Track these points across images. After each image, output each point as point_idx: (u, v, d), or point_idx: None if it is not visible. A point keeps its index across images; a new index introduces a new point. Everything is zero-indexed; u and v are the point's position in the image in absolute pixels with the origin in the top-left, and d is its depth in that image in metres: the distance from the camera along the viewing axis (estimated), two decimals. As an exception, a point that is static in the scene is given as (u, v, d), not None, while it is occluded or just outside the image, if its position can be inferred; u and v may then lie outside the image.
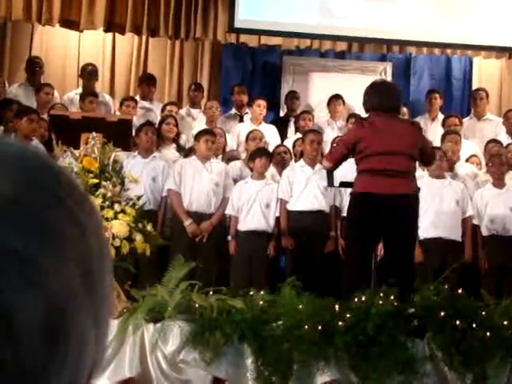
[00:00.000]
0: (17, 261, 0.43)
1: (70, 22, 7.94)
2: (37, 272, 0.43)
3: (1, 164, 0.45)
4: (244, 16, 7.99)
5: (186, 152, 6.53)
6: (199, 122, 7.36)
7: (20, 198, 0.44)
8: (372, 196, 4.37)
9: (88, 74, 7.60)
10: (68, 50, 8.36)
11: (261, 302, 3.98)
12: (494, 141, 6.82)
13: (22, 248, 0.43)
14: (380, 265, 4.56)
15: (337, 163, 4.68)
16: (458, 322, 3.85)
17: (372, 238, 4.47)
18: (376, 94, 4.61)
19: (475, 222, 5.95)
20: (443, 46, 8.28)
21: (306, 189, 5.84)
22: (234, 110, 7.78)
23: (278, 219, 5.89)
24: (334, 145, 4.79)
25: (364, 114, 4.94)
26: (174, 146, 6.72)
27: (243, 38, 8.24)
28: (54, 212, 0.45)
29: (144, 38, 8.42)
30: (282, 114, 8.23)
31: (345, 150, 4.61)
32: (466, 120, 7.58)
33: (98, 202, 4.20)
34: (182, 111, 7.69)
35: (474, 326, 3.86)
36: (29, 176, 0.46)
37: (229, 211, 5.91)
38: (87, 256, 0.46)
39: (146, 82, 7.69)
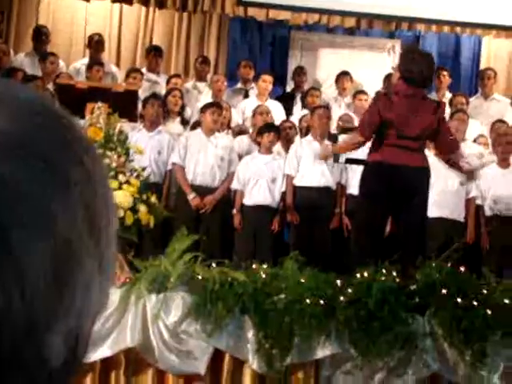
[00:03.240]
0: (25, 202, 0.42)
1: (77, -8, 7.89)
2: (45, 214, 0.43)
3: (7, 105, 0.45)
4: (252, -11, 7.92)
5: (191, 126, 6.51)
6: (205, 96, 7.33)
7: (27, 140, 0.44)
8: (386, 166, 4.38)
9: (95, 43, 7.57)
10: (75, 19, 8.32)
11: (263, 276, 3.99)
12: (501, 121, 6.79)
13: (31, 190, 0.43)
14: (387, 240, 4.58)
15: (370, 136, 4.58)
16: (459, 300, 3.87)
17: (385, 209, 4.48)
18: (412, 63, 4.48)
19: (478, 201, 5.95)
20: (453, 24, 8.21)
21: (313, 164, 5.84)
22: (239, 85, 7.74)
23: (283, 194, 5.90)
24: (360, 123, 4.73)
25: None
26: (178, 119, 6.70)
27: (251, 11, 8.19)
28: (61, 155, 0.45)
29: (151, 9, 8.36)
30: (288, 89, 8.20)
31: (374, 127, 4.51)
32: (472, 99, 7.54)
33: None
34: (188, 84, 7.65)
35: (475, 303, 3.88)
36: (35, 118, 0.45)
37: (235, 185, 5.91)
38: (93, 202, 0.46)
39: (153, 53, 7.65)
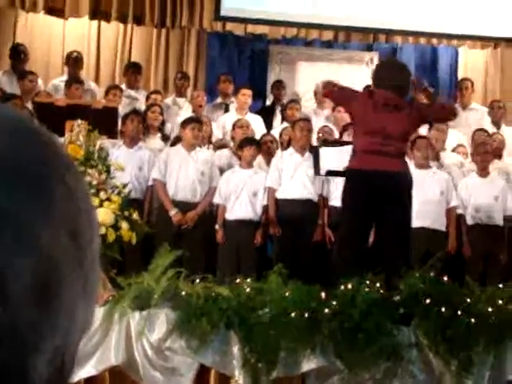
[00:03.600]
0: (9, 222, 0.42)
1: (54, 10, 7.87)
2: (29, 234, 0.43)
3: None
4: (230, 4, 7.97)
5: (172, 141, 6.50)
6: (185, 111, 7.34)
7: (6, 155, 0.43)
8: (364, 173, 4.38)
9: (73, 61, 7.54)
10: (53, 37, 8.29)
11: (247, 290, 3.97)
12: (481, 130, 6.85)
13: (15, 210, 0.42)
14: (370, 250, 4.58)
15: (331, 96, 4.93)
16: (443, 309, 3.87)
17: (368, 219, 4.46)
18: (384, 70, 4.60)
19: (460, 211, 5.98)
20: (429, 35, 8.31)
21: (295, 176, 5.85)
22: (219, 99, 7.75)
23: (265, 207, 5.90)
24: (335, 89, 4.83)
25: None
26: (159, 134, 6.69)
27: (229, 26, 8.22)
28: (42, 171, 0.45)
29: (129, 26, 8.37)
30: (268, 103, 8.23)
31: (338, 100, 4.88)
32: (451, 109, 7.60)
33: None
34: (168, 100, 7.65)
35: (460, 313, 3.88)
36: (15, 135, 0.45)
37: (216, 200, 5.91)
38: (76, 219, 0.46)
39: (132, 70, 7.65)
